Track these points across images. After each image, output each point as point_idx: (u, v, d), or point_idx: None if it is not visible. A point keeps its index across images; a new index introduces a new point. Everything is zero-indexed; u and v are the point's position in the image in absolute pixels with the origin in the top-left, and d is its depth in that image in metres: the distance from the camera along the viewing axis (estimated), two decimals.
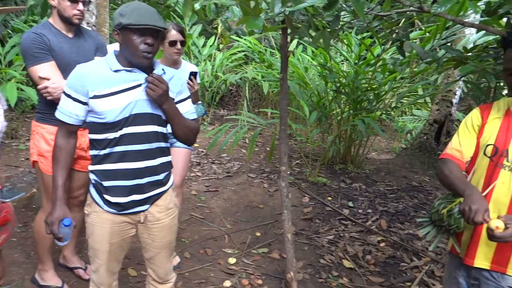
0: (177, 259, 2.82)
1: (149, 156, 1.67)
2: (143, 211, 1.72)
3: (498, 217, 1.37)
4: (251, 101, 8.29)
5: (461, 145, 1.62)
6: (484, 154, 1.56)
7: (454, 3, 2.34)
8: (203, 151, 5.28)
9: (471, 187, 1.47)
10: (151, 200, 1.72)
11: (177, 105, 1.69)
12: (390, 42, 5.01)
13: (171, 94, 1.65)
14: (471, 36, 5.33)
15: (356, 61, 5.30)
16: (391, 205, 4.19)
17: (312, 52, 6.38)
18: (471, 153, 1.62)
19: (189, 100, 1.79)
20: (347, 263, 3.00)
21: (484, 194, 1.50)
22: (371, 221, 3.75)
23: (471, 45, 4.03)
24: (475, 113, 1.65)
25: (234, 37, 7.18)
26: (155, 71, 1.65)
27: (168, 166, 1.79)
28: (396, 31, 2.83)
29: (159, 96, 1.57)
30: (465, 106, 9.58)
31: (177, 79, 1.74)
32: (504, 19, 2.85)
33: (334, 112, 5.49)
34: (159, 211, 1.76)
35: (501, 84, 4.95)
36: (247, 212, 3.75)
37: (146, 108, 1.62)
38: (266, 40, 8.58)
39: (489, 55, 2.99)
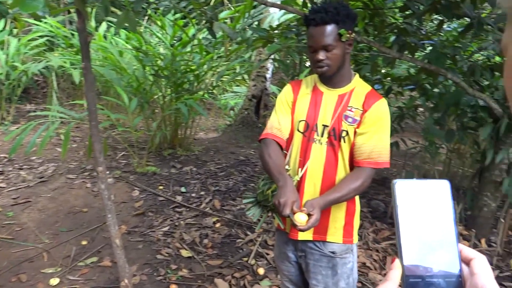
0: None
1: None
2: None
3: (304, 206, 1.41)
4: (63, 92, 7.41)
5: (280, 122, 1.65)
6: (298, 130, 1.62)
7: None
8: (5, 157, 4.47)
9: (283, 178, 1.47)
10: None
11: None
12: (204, 22, 5.01)
13: None
14: (275, 14, 5.73)
15: (172, 43, 5.15)
16: (222, 183, 4.27)
17: (126, 35, 5.97)
18: (288, 129, 1.66)
19: None
20: (185, 253, 2.93)
21: (302, 171, 1.56)
22: (205, 203, 3.76)
23: (276, 23, 4.31)
24: (287, 90, 1.69)
25: (30, 20, 6.20)
26: None
27: None
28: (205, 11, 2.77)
29: None
30: (278, 79, 10.46)
31: None
32: None
33: (156, 96, 5.28)
34: None
35: (305, 58, 5.49)
36: (68, 220, 3.32)
37: None
38: (73, 23, 7.70)
39: (291, 32, 3.20)
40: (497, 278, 2.75)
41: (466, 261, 0.50)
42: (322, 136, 1.57)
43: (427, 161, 4.90)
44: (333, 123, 1.55)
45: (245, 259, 2.92)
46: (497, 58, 3.77)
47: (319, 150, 1.58)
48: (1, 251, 2.83)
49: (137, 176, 4.27)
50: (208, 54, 5.15)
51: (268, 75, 6.59)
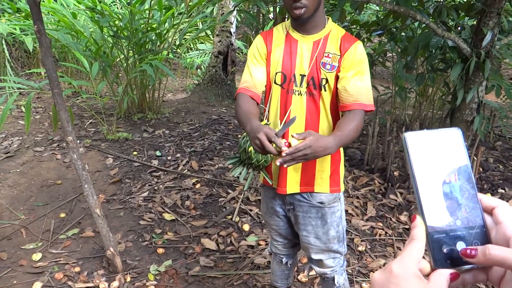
0: None
1: None
2: None
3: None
4: (17, 61, 6.98)
5: (252, 76, 1.59)
6: (275, 82, 1.57)
7: None
8: None
9: (251, 121, 1.41)
10: None
11: None
12: None
13: None
14: None
15: (129, 1, 4.87)
16: (197, 144, 4.21)
17: None
18: (263, 82, 1.60)
19: None
20: (168, 216, 2.91)
21: (283, 123, 1.52)
22: (182, 165, 3.71)
23: None
24: (259, 41, 1.61)
25: None
26: None
27: None
28: None
29: None
30: (241, 34, 10.21)
31: None
32: None
33: (118, 59, 5.04)
34: None
35: (270, 10, 5.31)
36: (43, 194, 3.21)
37: None
38: None
39: None
40: None
41: (488, 210, 0.48)
42: (301, 86, 1.53)
43: (397, 107, 4.98)
44: (311, 71, 1.51)
45: (229, 217, 2.93)
46: None
47: (299, 101, 1.54)
48: None
49: (109, 144, 4.14)
50: (168, 10, 4.91)
51: (233, 30, 6.39)
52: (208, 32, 7.21)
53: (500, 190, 3.40)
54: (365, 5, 3.45)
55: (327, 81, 1.50)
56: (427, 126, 4.26)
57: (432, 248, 0.46)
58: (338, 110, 1.55)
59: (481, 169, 3.64)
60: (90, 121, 4.70)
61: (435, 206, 0.47)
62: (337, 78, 1.50)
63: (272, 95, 1.60)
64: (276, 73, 1.57)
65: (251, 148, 1.54)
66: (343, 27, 3.90)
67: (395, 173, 3.51)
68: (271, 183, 1.65)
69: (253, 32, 9.24)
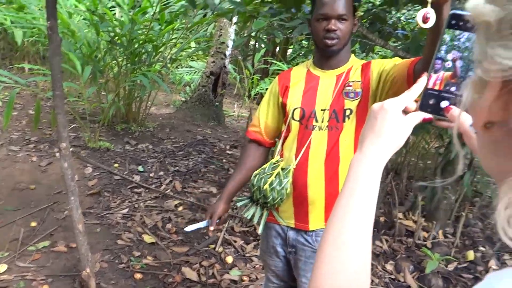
0: None
1: None
2: None
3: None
4: None
5: (260, 122, 1.63)
6: (293, 118, 1.53)
7: None
8: None
9: (229, 183, 1.62)
10: None
11: None
12: None
13: None
14: None
15: (131, 8, 4.77)
16: (181, 164, 4.07)
17: None
18: (271, 129, 1.63)
19: None
20: (147, 238, 2.74)
21: (297, 160, 1.48)
22: (165, 184, 3.56)
23: None
24: (274, 83, 1.63)
25: None
26: None
27: None
28: None
29: None
30: (233, 58, 10.23)
31: None
32: None
33: (109, 65, 4.89)
34: None
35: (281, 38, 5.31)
36: (14, 198, 2.99)
37: None
38: None
39: (269, 11, 3.05)
40: (455, 269, 2.87)
41: None
42: (322, 121, 1.49)
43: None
44: (333, 103, 1.47)
45: (212, 246, 2.79)
46: None
47: (319, 136, 1.49)
48: None
49: (89, 152, 3.95)
50: (169, 24, 4.84)
51: (228, 52, 6.37)
52: (200, 51, 7.18)
53: (481, 248, 3.42)
54: (374, 48, 3.49)
55: (351, 111, 1.46)
56: (416, 176, 4.29)
57: (423, 97, 0.63)
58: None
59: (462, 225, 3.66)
60: (73, 125, 4.49)
61: (440, 72, 0.62)
62: (366, 100, 1.44)
63: (290, 131, 1.55)
64: (294, 109, 1.53)
65: (266, 186, 1.46)
66: None
67: (381, 218, 3.48)
68: (281, 222, 1.56)
69: (242, 58, 9.25)
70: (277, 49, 9.16)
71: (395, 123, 0.62)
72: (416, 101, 0.64)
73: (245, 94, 8.21)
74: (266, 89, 7.58)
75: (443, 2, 1.04)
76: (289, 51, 9.91)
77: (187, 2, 2.38)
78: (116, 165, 3.78)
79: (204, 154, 4.49)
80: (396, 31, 3.16)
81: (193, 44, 6.81)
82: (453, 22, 0.59)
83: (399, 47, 3.15)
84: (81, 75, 3.95)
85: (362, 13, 1.49)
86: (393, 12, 3.18)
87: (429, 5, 1.04)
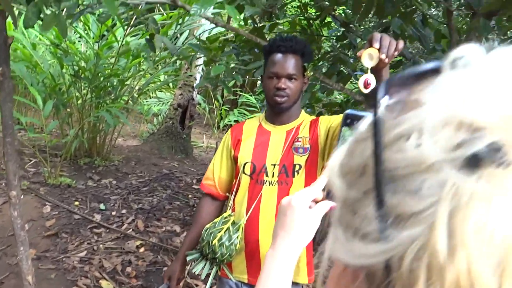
0: None
1: None
2: None
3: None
4: None
5: (214, 175, 1.65)
6: (244, 172, 1.55)
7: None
8: None
9: (185, 242, 1.66)
10: None
11: None
12: (143, 33, 4.65)
13: None
14: (206, 26, 5.55)
15: (97, 42, 4.75)
16: (145, 200, 4.00)
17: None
18: (224, 182, 1.64)
19: None
20: (105, 284, 2.65)
21: (247, 215, 1.49)
22: (127, 223, 3.47)
23: (206, 34, 4.15)
24: (227, 136, 1.66)
25: None
26: None
27: None
28: (146, 22, 2.56)
29: None
30: (203, 88, 10.28)
31: None
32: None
33: (73, 98, 4.81)
34: None
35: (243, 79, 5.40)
36: None
37: None
38: None
39: (232, 51, 3.11)
40: None
41: None
42: (272, 176, 1.51)
43: None
44: (283, 158, 1.50)
45: None
46: None
47: (270, 191, 1.51)
48: None
49: (49, 189, 3.82)
50: (135, 58, 4.83)
51: (196, 84, 6.40)
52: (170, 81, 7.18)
53: None
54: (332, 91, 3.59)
55: (300, 166, 1.49)
56: None
57: None
58: None
59: None
60: (33, 160, 4.35)
61: None
62: (314, 155, 1.48)
63: (241, 185, 1.57)
64: (245, 163, 1.55)
65: (215, 241, 1.46)
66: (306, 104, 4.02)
67: None
68: (231, 277, 1.54)
69: (211, 88, 9.31)
70: (246, 81, 9.28)
71: (303, 219, 0.65)
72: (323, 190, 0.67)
73: (214, 124, 8.24)
74: (235, 120, 7.64)
75: (382, 67, 1.10)
76: (259, 83, 10.06)
77: (147, 47, 2.39)
78: (76, 203, 3.67)
79: (169, 189, 4.43)
80: (355, 73, 3.27)
81: (162, 75, 6.82)
82: (348, 121, 0.61)
83: (355, 92, 3.26)
84: (42, 110, 3.87)
85: (311, 73, 1.54)
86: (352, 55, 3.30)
87: (369, 71, 1.09)
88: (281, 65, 1.44)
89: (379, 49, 1.04)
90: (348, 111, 0.63)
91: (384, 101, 0.29)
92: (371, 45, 1.06)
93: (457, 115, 0.24)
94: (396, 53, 1.06)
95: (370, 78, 1.07)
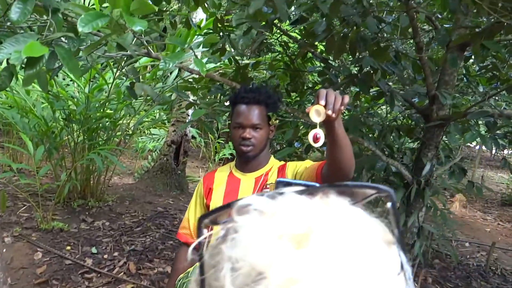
0: None
1: None
2: None
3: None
4: None
5: (190, 224, 1.69)
6: None
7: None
8: None
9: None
10: None
11: None
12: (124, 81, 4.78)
13: None
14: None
15: (87, 85, 4.85)
16: (138, 241, 4.00)
17: None
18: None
19: None
20: None
21: None
22: (119, 267, 3.46)
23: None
24: (199, 185, 1.72)
25: None
26: None
27: None
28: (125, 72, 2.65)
29: None
30: (197, 121, 10.39)
31: None
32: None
33: (66, 141, 4.88)
34: None
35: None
36: None
37: None
38: None
39: (216, 91, 3.18)
40: None
41: None
42: None
43: None
44: None
45: None
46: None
47: None
48: None
49: (41, 234, 3.83)
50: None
51: (181, 127, 6.49)
52: (164, 117, 7.28)
53: None
54: None
55: None
56: None
57: None
58: None
59: None
60: (27, 205, 4.38)
61: None
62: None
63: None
64: None
65: None
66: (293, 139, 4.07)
67: None
68: None
69: (208, 120, 9.41)
70: None
71: None
72: None
73: (210, 157, 8.28)
74: (230, 153, 7.64)
75: (332, 119, 1.15)
76: None
77: (128, 93, 2.47)
78: (68, 247, 3.68)
79: (163, 228, 4.44)
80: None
81: (157, 112, 6.92)
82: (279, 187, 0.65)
83: None
84: (33, 156, 3.92)
85: (277, 121, 1.60)
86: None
87: (318, 126, 1.14)
88: (245, 116, 1.50)
89: (325, 106, 1.10)
90: (278, 179, 0.66)
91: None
92: (318, 102, 1.11)
93: (246, 261, 0.29)
94: (342, 107, 1.11)
95: (319, 132, 1.12)
